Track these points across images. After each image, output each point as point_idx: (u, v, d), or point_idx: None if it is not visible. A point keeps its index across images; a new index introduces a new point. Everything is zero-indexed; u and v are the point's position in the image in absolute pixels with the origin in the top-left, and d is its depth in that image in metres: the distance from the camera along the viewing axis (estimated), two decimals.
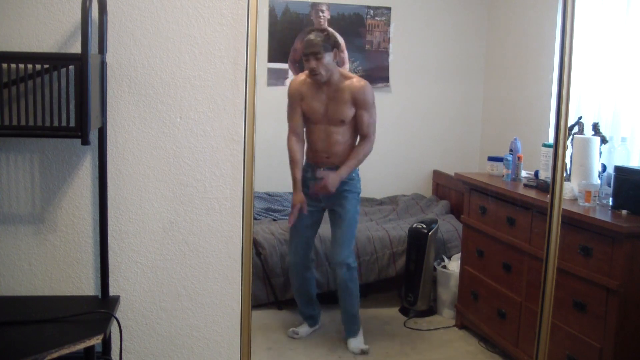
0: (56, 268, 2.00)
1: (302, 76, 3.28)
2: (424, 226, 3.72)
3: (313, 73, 3.15)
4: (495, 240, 3.19)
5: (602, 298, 2.46)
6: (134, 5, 1.94)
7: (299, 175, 3.27)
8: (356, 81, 3.21)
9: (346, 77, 3.23)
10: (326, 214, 3.44)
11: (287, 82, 4.54)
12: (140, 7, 1.95)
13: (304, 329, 3.46)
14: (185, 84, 2.00)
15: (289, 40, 4.55)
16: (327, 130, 3.24)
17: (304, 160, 3.35)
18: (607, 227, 2.44)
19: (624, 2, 3.24)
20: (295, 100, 3.27)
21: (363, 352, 3.28)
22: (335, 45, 3.19)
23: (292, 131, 3.29)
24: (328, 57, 3.14)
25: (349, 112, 3.20)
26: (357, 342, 3.33)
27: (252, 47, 1.99)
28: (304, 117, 3.29)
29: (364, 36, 4.65)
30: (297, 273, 3.41)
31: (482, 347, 3.33)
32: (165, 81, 1.99)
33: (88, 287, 2.02)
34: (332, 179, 3.20)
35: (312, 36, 3.16)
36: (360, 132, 3.26)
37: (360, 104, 3.19)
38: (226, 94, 2.02)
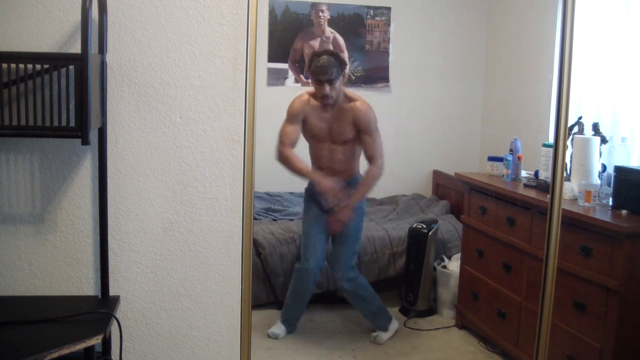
0: (56, 268, 2.00)
1: (305, 96, 3.25)
2: (424, 226, 3.72)
3: (326, 98, 3.12)
4: (495, 240, 3.19)
5: (602, 298, 2.45)
6: (134, 5, 1.95)
7: (303, 166, 3.20)
8: (359, 104, 3.18)
9: (350, 99, 3.21)
10: None
11: (287, 82, 4.55)
12: (140, 7, 1.95)
13: (282, 328, 3.41)
14: (185, 84, 2.00)
15: (289, 40, 4.55)
16: (331, 148, 3.24)
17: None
18: (607, 227, 2.44)
19: (624, 2, 3.24)
20: (296, 118, 3.23)
21: (376, 341, 3.33)
22: (344, 66, 3.16)
23: (285, 145, 3.21)
24: (339, 81, 3.13)
25: (351, 133, 3.19)
26: (385, 336, 3.38)
27: (252, 47, 1.99)
28: (307, 135, 3.27)
29: (364, 36, 4.65)
30: (308, 277, 3.34)
31: (482, 347, 3.33)
32: (165, 81, 1.99)
33: (88, 287, 2.02)
34: (345, 215, 3.18)
35: (324, 60, 3.08)
36: (366, 155, 3.24)
37: (362, 127, 3.17)
38: (226, 94, 2.02)
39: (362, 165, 3.34)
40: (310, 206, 3.35)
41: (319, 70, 3.08)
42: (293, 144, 3.23)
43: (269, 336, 3.35)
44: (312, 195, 3.33)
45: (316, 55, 3.15)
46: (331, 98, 3.13)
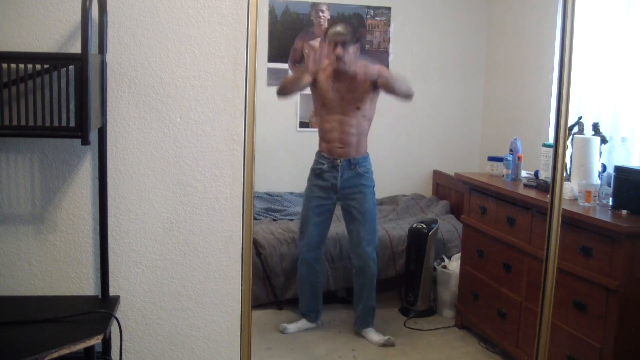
0: (56, 268, 2.00)
1: (327, 62, 3.33)
2: (424, 226, 3.72)
3: (339, 60, 3.20)
4: (495, 240, 3.19)
5: (602, 298, 2.46)
6: (134, 5, 1.94)
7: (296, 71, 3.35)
8: (366, 63, 3.32)
9: (360, 65, 3.31)
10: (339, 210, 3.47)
11: None
12: (140, 7, 1.95)
13: (298, 325, 3.46)
14: (185, 84, 2.00)
15: (289, 40, 4.55)
16: (341, 120, 3.29)
17: (317, 152, 3.37)
18: (607, 227, 2.44)
19: (624, 2, 3.24)
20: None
21: (389, 343, 3.33)
22: (359, 39, 3.29)
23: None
24: (353, 49, 3.23)
25: (366, 96, 3.26)
26: (376, 334, 3.38)
27: (252, 47, 1.99)
28: (318, 104, 3.36)
29: (364, 36, 4.65)
30: (307, 264, 3.41)
31: (482, 347, 3.33)
32: (165, 81, 1.99)
33: (88, 287, 2.02)
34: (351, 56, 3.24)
35: (339, 27, 3.23)
36: (388, 89, 3.30)
37: (377, 74, 3.26)
38: (226, 94, 2.02)
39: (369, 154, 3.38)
40: (313, 190, 3.36)
41: (335, 32, 3.21)
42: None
43: (279, 330, 3.44)
44: (319, 175, 3.34)
45: (334, 22, 3.30)
46: (344, 63, 3.20)
